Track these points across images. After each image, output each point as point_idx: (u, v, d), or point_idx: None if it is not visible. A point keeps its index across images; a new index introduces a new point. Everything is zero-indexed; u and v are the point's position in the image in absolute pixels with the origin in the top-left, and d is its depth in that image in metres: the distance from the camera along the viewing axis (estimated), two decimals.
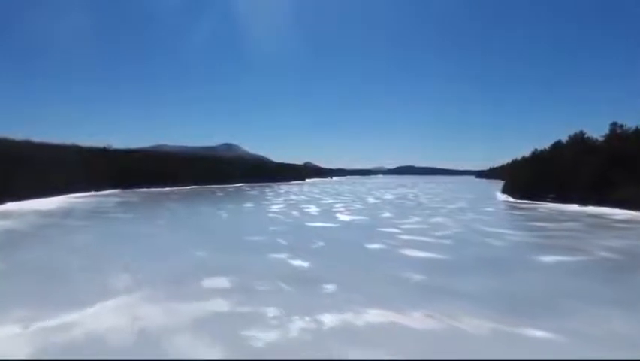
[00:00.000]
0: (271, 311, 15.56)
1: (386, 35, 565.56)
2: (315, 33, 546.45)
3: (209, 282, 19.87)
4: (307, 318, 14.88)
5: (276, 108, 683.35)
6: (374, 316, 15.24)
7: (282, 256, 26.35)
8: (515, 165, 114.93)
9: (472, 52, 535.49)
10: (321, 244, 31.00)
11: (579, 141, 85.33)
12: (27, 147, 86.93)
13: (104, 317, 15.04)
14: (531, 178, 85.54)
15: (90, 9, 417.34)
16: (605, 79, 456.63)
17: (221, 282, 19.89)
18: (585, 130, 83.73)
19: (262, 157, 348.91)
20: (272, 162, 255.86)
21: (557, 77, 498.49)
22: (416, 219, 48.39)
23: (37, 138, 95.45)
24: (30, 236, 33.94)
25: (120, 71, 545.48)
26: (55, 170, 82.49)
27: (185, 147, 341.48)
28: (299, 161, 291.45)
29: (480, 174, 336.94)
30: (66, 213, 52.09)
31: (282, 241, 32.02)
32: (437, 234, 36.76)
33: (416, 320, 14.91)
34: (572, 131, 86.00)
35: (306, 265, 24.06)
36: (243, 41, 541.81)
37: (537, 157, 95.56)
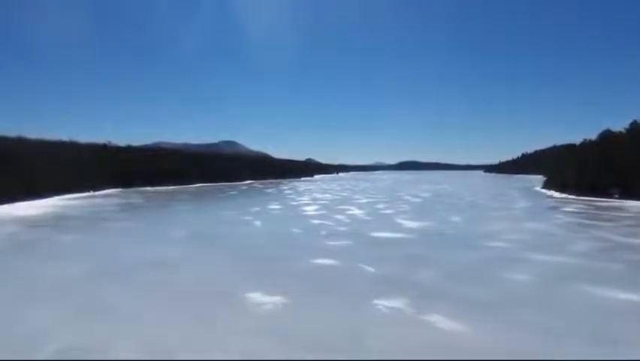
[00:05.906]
0: None
1: (386, 32, 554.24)
2: (312, 30, 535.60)
3: None
4: None
5: (275, 105, 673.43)
6: None
7: (397, 304, 15.81)
8: (559, 157, 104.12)
9: (474, 50, 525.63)
10: (432, 273, 20.40)
11: None
12: (17, 144, 76.64)
13: None
14: (591, 172, 74.91)
15: (91, 7, 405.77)
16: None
17: None
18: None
19: (265, 154, 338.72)
20: (278, 159, 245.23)
21: (561, 75, 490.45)
22: (503, 225, 37.76)
23: (33, 136, 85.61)
24: None
25: (119, 70, 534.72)
26: (49, 168, 72.31)
27: (186, 144, 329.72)
28: (299, 157, 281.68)
29: (489, 169, 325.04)
30: (55, 221, 41.49)
31: (368, 268, 21.52)
32: (573, 250, 26.26)
33: None
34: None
35: (461, 328, 13.45)
36: (241, 39, 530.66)
37: (589, 149, 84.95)
